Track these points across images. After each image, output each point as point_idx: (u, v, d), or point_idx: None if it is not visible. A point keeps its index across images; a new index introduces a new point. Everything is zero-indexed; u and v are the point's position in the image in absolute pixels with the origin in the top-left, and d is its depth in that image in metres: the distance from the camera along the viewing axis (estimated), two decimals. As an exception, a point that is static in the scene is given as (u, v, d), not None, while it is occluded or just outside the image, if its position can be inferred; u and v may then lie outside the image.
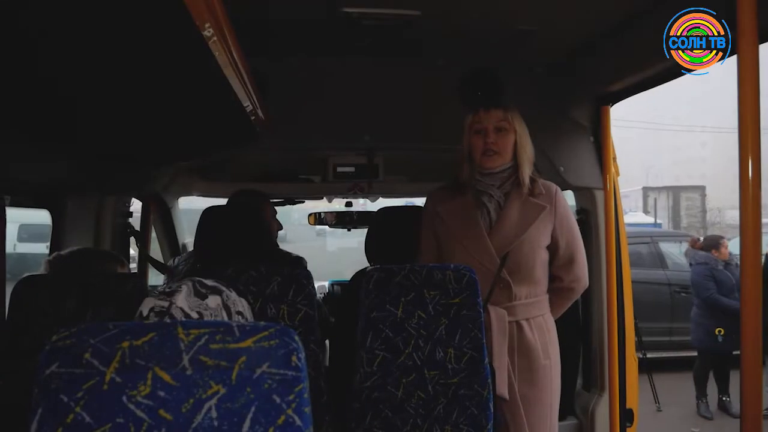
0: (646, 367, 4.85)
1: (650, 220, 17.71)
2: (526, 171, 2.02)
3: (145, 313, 1.07)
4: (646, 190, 22.30)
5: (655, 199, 20.25)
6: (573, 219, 2.11)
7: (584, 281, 2.11)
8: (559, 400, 2.07)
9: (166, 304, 1.08)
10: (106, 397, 0.75)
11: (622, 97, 2.40)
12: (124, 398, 0.75)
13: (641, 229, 11.33)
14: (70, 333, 0.77)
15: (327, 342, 2.74)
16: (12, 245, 8.99)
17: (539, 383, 1.99)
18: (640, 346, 4.82)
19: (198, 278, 1.14)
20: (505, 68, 2.45)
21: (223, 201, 2.78)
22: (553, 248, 2.05)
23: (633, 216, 18.04)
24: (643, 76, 2.14)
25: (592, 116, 2.50)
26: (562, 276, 2.07)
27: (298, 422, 0.77)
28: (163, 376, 0.76)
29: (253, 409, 0.76)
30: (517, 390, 1.96)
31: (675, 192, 22.12)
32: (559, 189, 2.08)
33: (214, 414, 0.76)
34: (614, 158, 2.53)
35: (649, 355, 5.04)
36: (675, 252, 7.22)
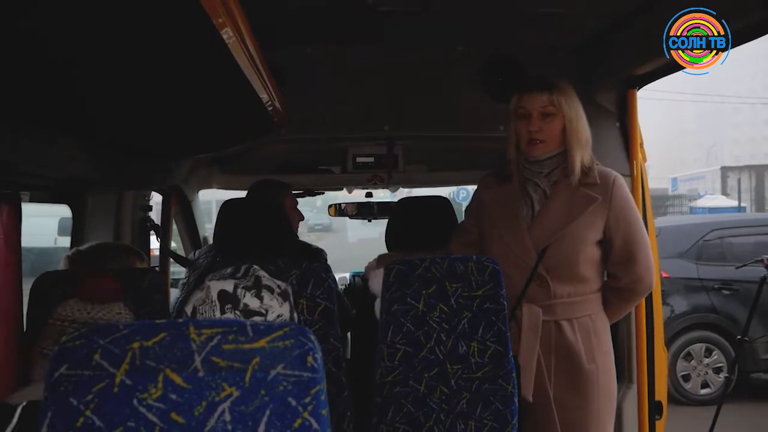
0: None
1: (732, 203, 15.77)
2: (577, 159, 1.84)
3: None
4: (725, 170, 20.28)
5: (739, 180, 18.25)
6: (635, 213, 1.92)
7: (648, 282, 1.90)
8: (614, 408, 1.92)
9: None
10: (116, 400, 0.73)
11: (650, 80, 2.31)
12: (135, 401, 0.73)
13: (727, 215, 9.73)
14: (80, 334, 0.75)
15: (349, 334, 2.72)
16: (53, 239, 9.10)
17: (581, 389, 1.84)
18: None
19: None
20: (527, 52, 2.39)
21: (244, 193, 2.77)
22: (606, 244, 1.87)
23: (712, 199, 16.01)
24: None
25: (618, 100, 2.43)
26: (620, 275, 1.89)
27: (315, 425, 0.74)
28: (175, 379, 0.73)
29: (267, 412, 0.74)
30: (551, 394, 1.84)
31: (759, 171, 19.77)
32: (619, 178, 1.90)
33: (227, 417, 0.73)
34: (641, 144, 2.45)
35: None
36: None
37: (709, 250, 5.57)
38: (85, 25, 1.00)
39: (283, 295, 1.26)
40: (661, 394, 2.41)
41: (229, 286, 1.18)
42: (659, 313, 2.45)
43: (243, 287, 1.19)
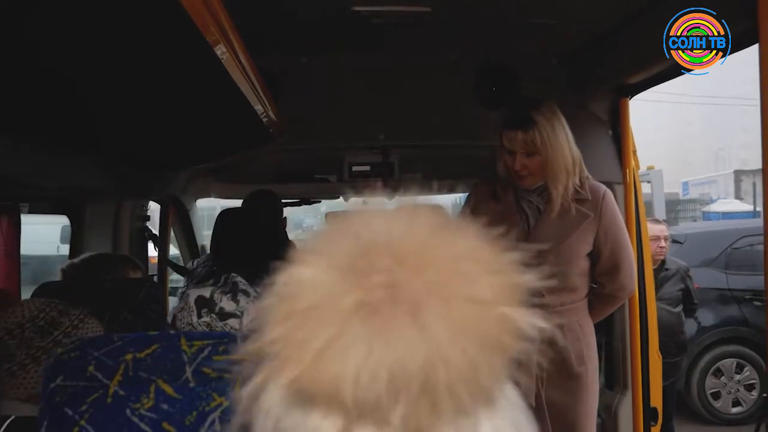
0: None
1: (747, 207, 14.82)
2: (555, 192, 1.87)
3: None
4: (739, 174, 19.60)
5: (754, 184, 17.85)
6: (621, 225, 1.99)
7: (629, 289, 2.02)
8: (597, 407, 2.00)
9: None
10: (110, 411, 0.75)
11: (642, 88, 2.34)
12: (128, 411, 0.75)
13: (744, 220, 8.76)
14: (75, 346, 0.77)
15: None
16: (55, 247, 9.04)
17: (572, 391, 1.91)
18: None
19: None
20: (520, 62, 2.41)
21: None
22: (595, 256, 1.95)
23: (725, 203, 15.23)
24: (664, 65, 2.08)
25: (611, 109, 2.45)
26: (605, 283, 1.98)
27: None
28: (166, 389, 0.75)
29: None
30: (544, 397, 1.88)
31: (775, 175, 19.66)
32: (608, 192, 1.96)
33: (218, 427, 0.75)
34: (634, 151, 2.47)
35: None
36: None
37: (739, 258, 5.12)
38: (85, 40, 1.03)
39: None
40: (656, 400, 2.42)
41: (206, 292, 1.22)
42: (653, 320, 2.46)
43: (220, 292, 1.22)
